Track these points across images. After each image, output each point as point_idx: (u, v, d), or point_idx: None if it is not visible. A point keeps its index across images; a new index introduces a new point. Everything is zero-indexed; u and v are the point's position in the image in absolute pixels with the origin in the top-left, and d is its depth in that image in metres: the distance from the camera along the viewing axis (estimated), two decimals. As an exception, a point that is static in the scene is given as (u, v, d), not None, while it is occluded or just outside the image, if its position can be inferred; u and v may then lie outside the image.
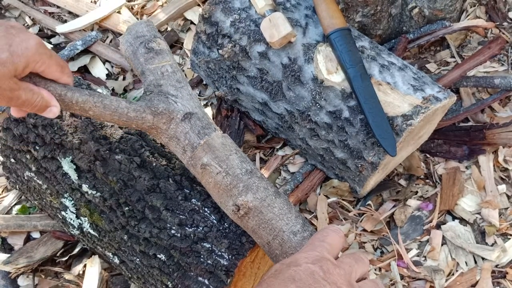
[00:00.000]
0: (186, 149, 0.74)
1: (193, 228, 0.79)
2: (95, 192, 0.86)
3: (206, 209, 0.81)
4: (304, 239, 0.68)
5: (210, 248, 0.77)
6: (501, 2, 1.29)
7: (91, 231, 0.90)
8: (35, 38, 0.60)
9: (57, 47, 1.40)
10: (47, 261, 1.04)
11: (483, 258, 0.98)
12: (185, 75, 1.32)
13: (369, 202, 1.06)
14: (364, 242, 1.03)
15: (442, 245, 1.01)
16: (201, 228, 0.78)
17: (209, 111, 1.22)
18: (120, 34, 1.39)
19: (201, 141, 0.73)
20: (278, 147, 1.16)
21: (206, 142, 0.73)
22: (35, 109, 0.64)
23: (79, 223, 0.91)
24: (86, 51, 1.36)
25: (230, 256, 0.76)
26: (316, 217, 1.06)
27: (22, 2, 1.50)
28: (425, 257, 1.00)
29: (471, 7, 1.29)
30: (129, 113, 0.72)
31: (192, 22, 1.41)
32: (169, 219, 0.80)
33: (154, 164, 0.86)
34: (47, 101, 0.64)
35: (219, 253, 0.76)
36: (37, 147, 0.90)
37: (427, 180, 1.09)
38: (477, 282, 0.95)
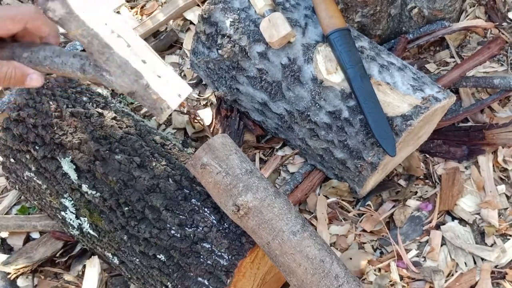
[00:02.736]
0: None
1: (193, 229, 0.79)
2: (95, 192, 0.85)
3: (206, 209, 0.81)
4: (304, 239, 0.68)
5: (210, 249, 0.77)
6: (500, 3, 1.29)
7: (91, 232, 0.90)
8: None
9: (57, 47, 1.40)
10: (46, 261, 1.04)
11: (482, 259, 0.98)
12: (185, 75, 1.32)
13: (369, 202, 1.06)
14: (364, 243, 1.03)
15: (441, 245, 1.01)
16: (201, 229, 0.78)
17: (208, 111, 1.22)
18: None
19: None
20: (277, 147, 1.16)
21: (206, 143, 0.74)
22: (13, 82, 0.61)
23: (79, 224, 0.91)
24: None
25: (230, 257, 0.76)
26: (315, 217, 1.06)
27: (22, 2, 1.50)
28: (424, 257, 1.00)
29: (470, 7, 1.29)
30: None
31: (191, 22, 1.41)
32: (169, 219, 0.80)
33: (154, 164, 0.86)
34: (21, 70, 0.61)
35: (219, 253, 0.76)
36: (36, 147, 0.90)
37: (427, 181, 1.09)
38: (476, 282, 0.95)
